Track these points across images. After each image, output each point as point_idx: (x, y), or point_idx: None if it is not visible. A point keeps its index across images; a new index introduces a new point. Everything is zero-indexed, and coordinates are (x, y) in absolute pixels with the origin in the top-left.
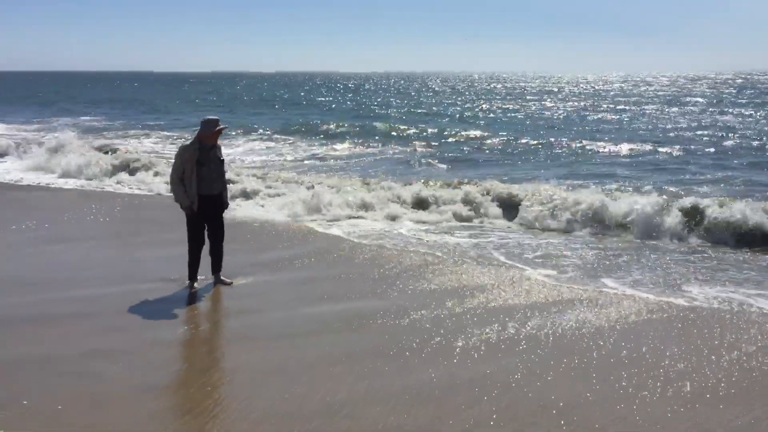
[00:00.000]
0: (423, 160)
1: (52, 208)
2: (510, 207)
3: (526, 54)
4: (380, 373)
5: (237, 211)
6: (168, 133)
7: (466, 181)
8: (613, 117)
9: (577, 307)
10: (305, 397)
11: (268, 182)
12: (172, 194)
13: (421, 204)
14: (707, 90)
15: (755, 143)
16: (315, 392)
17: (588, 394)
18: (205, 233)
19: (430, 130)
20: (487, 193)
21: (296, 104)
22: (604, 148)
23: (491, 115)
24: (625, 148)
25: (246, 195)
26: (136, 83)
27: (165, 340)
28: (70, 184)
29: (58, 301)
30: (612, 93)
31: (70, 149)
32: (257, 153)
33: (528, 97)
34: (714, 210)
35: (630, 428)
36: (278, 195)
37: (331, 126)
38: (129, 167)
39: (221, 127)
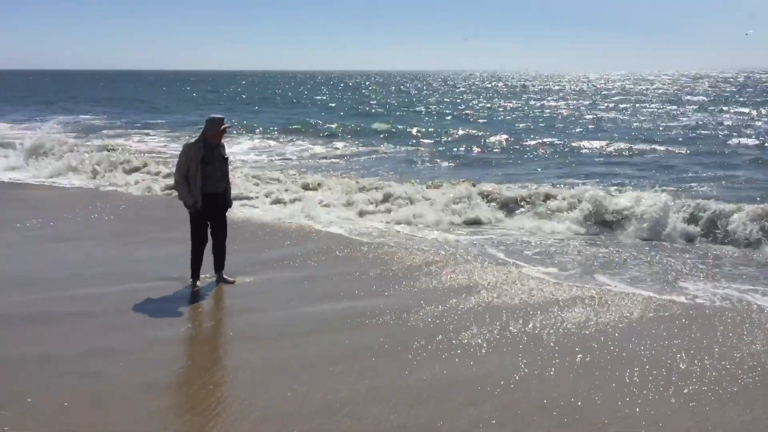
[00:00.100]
0: (426, 160)
1: (53, 207)
2: (512, 207)
3: (527, 53)
4: (381, 371)
5: (238, 210)
6: (167, 132)
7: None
8: (614, 116)
9: (578, 306)
10: (306, 396)
11: (269, 182)
12: (176, 192)
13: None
14: (709, 88)
15: (753, 142)
16: (316, 391)
17: (589, 393)
18: (208, 232)
19: (430, 129)
20: (487, 196)
21: (297, 103)
22: (605, 147)
23: (492, 113)
24: (625, 147)
25: (247, 196)
26: (136, 82)
27: (167, 338)
28: (70, 183)
29: (60, 300)
30: (613, 92)
31: (49, 149)
32: (257, 152)
33: (529, 96)
34: (713, 208)
35: (631, 427)
36: (279, 197)
37: (333, 125)
38: (116, 167)
39: (226, 125)
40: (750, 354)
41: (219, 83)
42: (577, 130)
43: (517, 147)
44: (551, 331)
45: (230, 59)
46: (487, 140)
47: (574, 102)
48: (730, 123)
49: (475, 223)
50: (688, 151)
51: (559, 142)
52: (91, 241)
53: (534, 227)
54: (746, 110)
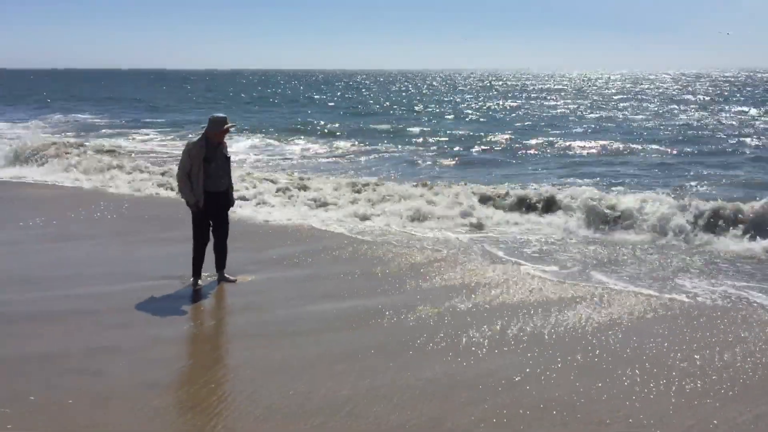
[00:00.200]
0: (426, 160)
1: (56, 206)
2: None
3: (528, 52)
4: (382, 370)
5: (239, 210)
6: (165, 131)
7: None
8: (615, 115)
9: (580, 304)
10: (308, 395)
11: (269, 182)
12: (179, 191)
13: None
14: (709, 88)
15: (754, 141)
16: (317, 390)
17: (591, 391)
18: (210, 230)
19: (431, 129)
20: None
21: (296, 102)
22: (605, 146)
23: (492, 113)
24: (626, 146)
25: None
26: (136, 81)
27: (168, 337)
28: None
29: (61, 299)
30: (613, 90)
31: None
32: (257, 151)
33: (529, 95)
34: (713, 208)
35: (633, 425)
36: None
37: (333, 125)
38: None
39: (229, 125)
40: (751, 352)
41: (218, 82)
42: (577, 130)
43: (518, 147)
44: (552, 329)
45: (230, 58)
46: (488, 140)
47: (575, 101)
48: (730, 122)
49: (477, 226)
50: (689, 151)
51: (559, 141)
52: (93, 240)
53: (534, 226)
54: (747, 109)
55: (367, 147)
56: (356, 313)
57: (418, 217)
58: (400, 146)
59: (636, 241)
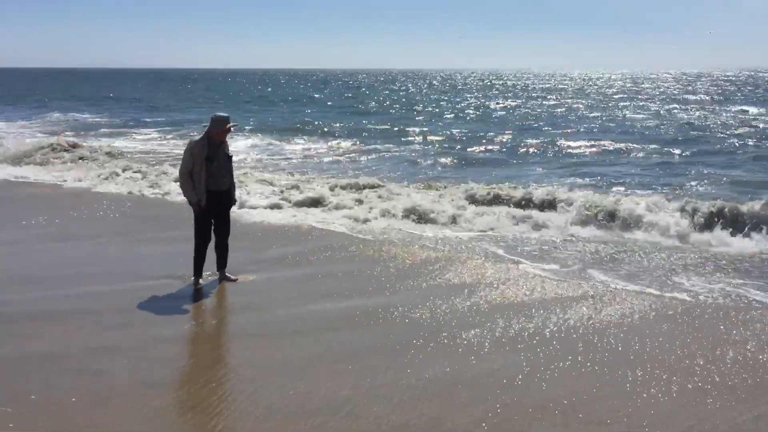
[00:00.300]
0: (427, 160)
1: (59, 206)
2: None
3: (528, 52)
4: (383, 370)
5: (240, 209)
6: (163, 130)
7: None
8: (615, 115)
9: (581, 303)
10: (309, 394)
11: (269, 183)
12: (180, 189)
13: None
14: (710, 87)
15: (754, 141)
16: (318, 389)
17: (592, 391)
18: (212, 230)
19: (431, 128)
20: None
21: (296, 101)
22: (606, 147)
23: (493, 112)
24: (626, 146)
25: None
26: (136, 80)
27: (169, 336)
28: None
29: (62, 298)
30: (614, 90)
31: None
32: (257, 151)
33: (529, 95)
34: (713, 207)
35: (634, 425)
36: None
37: (333, 124)
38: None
39: (231, 124)
40: (752, 352)
41: (218, 82)
42: (578, 129)
43: (518, 147)
44: (553, 328)
45: (230, 58)
46: (488, 139)
47: (576, 101)
48: (731, 122)
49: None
50: (689, 150)
51: (559, 141)
52: (94, 240)
53: (535, 225)
54: (747, 108)
55: (368, 146)
56: (357, 313)
57: (419, 217)
58: (400, 146)
59: (636, 241)
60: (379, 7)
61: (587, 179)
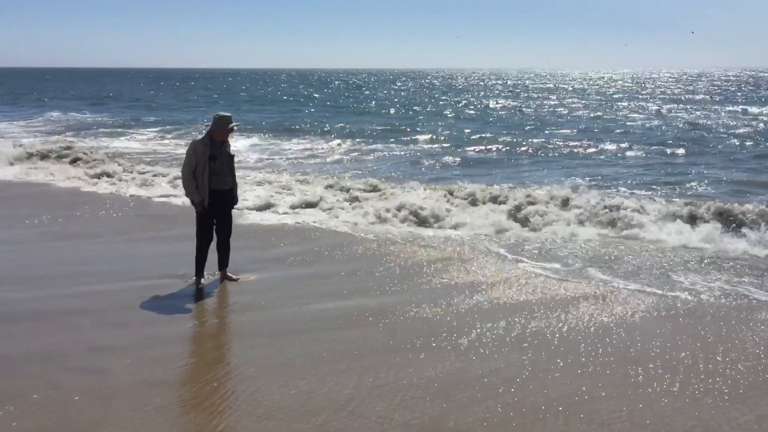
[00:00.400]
0: (428, 161)
1: (56, 206)
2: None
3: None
4: (385, 369)
5: (241, 209)
6: (162, 130)
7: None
8: (616, 116)
9: (583, 303)
10: (311, 393)
11: (270, 183)
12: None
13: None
14: (711, 87)
15: (754, 141)
16: (320, 388)
17: (594, 390)
18: (214, 229)
19: (432, 128)
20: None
21: (297, 101)
22: (606, 146)
23: (494, 112)
24: (627, 147)
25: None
26: (135, 80)
27: (171, 335)
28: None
29: (64, 297)
30: (615, 90)
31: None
32: (256, 151)
33: (532, 95)
34: (714, 208)
35: (636, 425)
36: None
37: (336, 124)
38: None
39: (234, 124)
40: (754, 352)
41: (218, 81)
42: (578, 129)
43: (519, 147)
44: (554, 328)
45: (230, 58)
46: (489, 139)
47: (576, 101)
48: (732, 121)
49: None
50: (690, 150)
51: (560, 141)
52: (96, 239)
53: (536, 225)
54: (748, 108)
55: (368, 146)
56: (358, 312)
57: (419, 217)
58: (400, 145)
59: (636, 240)
60: (380, 7)
61: (587, 179)
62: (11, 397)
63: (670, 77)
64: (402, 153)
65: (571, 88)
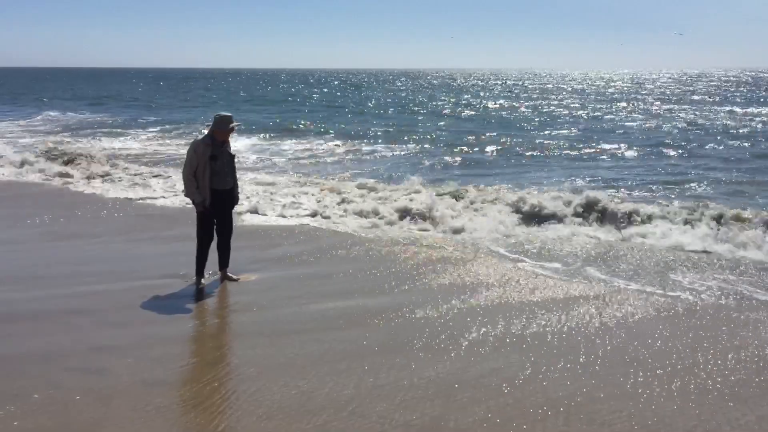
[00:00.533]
0: (428, 162)
1: (56, 206)
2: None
3: (530, 52)
4: (386, 369)
5: (242, 209)
6: (163, 131)
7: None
8: (616, 116)
9: (583, 303)
10: (311, 393)
11: (270, 184)
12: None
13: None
14: (712, 87)
15: (754, 141)
16: (321, 388)
17: (594, 391)
18: (214, 229)
19: (431, 129)
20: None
21: (297, 101)
22: (607, 147)
23: (493, 112)
24: (626, 147)
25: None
26: (135, 79)
27: (171, 335)
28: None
29: (64, 297)
30: (614, 90)
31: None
32: (255, 151)
33: (532, 95)
34: (714, 210)
35: (636, 425)
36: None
37: (336, 124)
38: None
39: (235, 124)
40: (755, 353)
41: (218, 81)
42: (578, 131)
43: (519, 148)
44: (555, 328)
45: (230, 58)
46: (489, 140)
47: (576, 102)
48: (732, 122)
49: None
50: (690, 151)
51: (560, 142)
52: (96, 239)
53: (537, 226)
54: (749, 109)
55: (368, 147)
56: (359, 312)
57: (420, 218)
58: (400, 146)
59: (636, 241)
60: (380, 7)
61: (587, 180)
62: (11, 397)
63: (670, 78)
64: (402, 153)
65: (570, 89)
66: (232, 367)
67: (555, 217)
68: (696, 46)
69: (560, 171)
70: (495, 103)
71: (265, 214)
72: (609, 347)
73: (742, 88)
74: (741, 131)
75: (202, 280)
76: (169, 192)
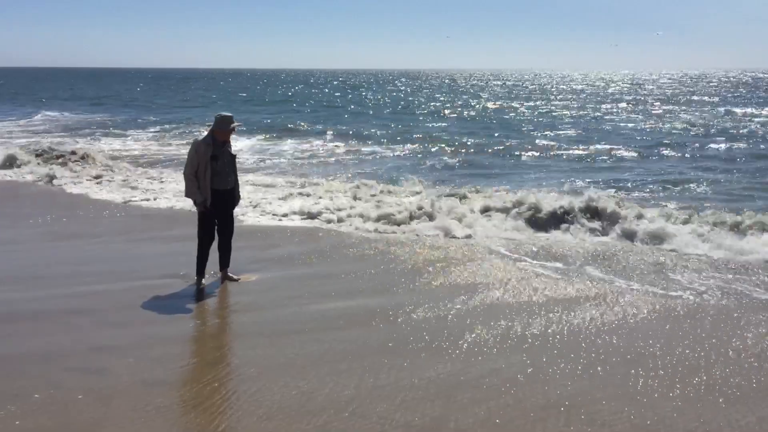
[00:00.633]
0: (429, 161)
1: (56, 206)
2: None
3: (530, 52)
4: (386, 369)
5: (243, 210)
6: (162, 131)
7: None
8: (615, 117)
9: (584, 303)
10: (312, 394)
11: (271, 186)
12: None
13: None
14: (712, 88)
15: (754, 142)
16: (321, 389)
17: (595, 391)
18: (215, 229)
19: (431, 129)
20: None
21: (297, 102)
22: (606, 149)
23: (493, 114)
24: (626, 149)
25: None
26: (134, 79)
27: (171, 335)
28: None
29: (64, 297)
30: (614, 90)
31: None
32: (254, 152)
33: (531, 96)
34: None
35: (637, 426)
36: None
37: (335, 125)
38: None
39: (236, 124)
40: (755, 353)
41: (218, 81)
42: (577, 132)
43: (518, 149)
44: (555, 328)
45: (230, 58)
46: (488, 142)
47: (575, 102)
48: (732, 123)
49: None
50: (690, 152)
51: (559, 144)
52: (98, 239)
53: (537, 226)
54: (749, 110)
55: (368, 147)
56: (359, 312)
57: (420, 217)
58: (400, 146)
59: (636, 241)
60: (380, 7)
61: (587, 181)
62: (11, 397)
63: (670, 78)
64: (402, 154)
65: (570, 90)
66: (232, 367)
67: (555, 218)
68: (696, 46)
69: (560, 172)
70: (495, 104)
71: (266, 215)
72: (610, 347)
73: (741, 89)
74: (740, 132)
75: (203, 280)
76: (169, 193)
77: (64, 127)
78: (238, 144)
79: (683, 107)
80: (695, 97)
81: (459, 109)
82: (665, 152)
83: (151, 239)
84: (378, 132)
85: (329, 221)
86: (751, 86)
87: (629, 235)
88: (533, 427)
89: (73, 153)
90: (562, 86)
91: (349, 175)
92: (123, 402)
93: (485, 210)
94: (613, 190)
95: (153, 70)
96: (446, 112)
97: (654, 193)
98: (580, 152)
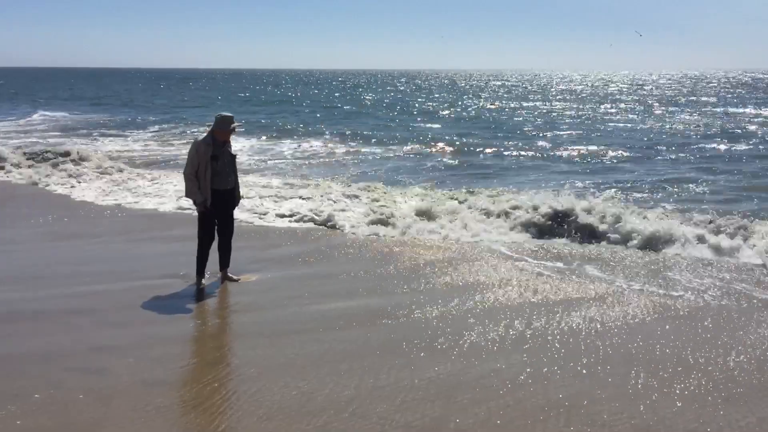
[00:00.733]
0: (429, 162)
1: (56, 206)
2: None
3: (530, 53)
4: (386, 370)
5: (243, 210)
6: (162, 130)
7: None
8: (615, 117)
9: (584, 303)
10: (312, 394)
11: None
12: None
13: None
14: (712, 89)
15: (754, 143)
16: (321, 389)
17: (595, 392)
18: (215, 229)
19: (431, 130)
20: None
21: (297, 102)
22: (606, 150)
23: (492, 114)
24: (626, 150)
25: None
26: (135, 79)
27: (171, 335)
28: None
29: (64, 297)
30: (614, 90)
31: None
32: (253, 152)
33: (531, 97)
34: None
35: (637, 426)
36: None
37: (335, 125)
38: None
39: (236, 124)
40: (755, 354)
41: (218, 81)
42: (577, 133)
43: (517, 150)
44: (556, 328)
45: (230, 58)
46: (488, 143)
47: (575, 103)
48: (732, 123)
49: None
50: (690, 152)
51: (559, 145)
52: (98, 239)
53: (537, 227)
54: (749, 110)
55: (368, 148)
56: (360, 313)
57: (419, 218)
58: (400, 147)
59: (638, 242)
60: (380, 8)
61: (587, 182)
62: (12, 397)
63: (670, 79)
64: (401, 155)
65: (570, 90)
66: (232, 367)
67: (556, 218)
68: (696, 46)
69: (560, 172)
70: (495, 104)
71: (266, 215)
72: (610, 348)
73: (741, 89)
74: (740, 132)
75: (203, 281)
76: (168, 193)
77: (63, 127)
78: (238, 144)
79: (683, 108)
80: (694, 98)
81: (459, 109)
82: (665, 153)
83: (151, 239)
84: (378, 132)
85: (329, 221)
86: (750, 87)
87: (629, 236)
88: (533, 427)
89: (67, 154)
90: (561, 86)
91: (349, 176)
92: (123, 402)
93: (485, 211)
94: (613, 190)
95: (153, 70)
96: (446, 112)
97: (653, 194)
98: (580, 153)
